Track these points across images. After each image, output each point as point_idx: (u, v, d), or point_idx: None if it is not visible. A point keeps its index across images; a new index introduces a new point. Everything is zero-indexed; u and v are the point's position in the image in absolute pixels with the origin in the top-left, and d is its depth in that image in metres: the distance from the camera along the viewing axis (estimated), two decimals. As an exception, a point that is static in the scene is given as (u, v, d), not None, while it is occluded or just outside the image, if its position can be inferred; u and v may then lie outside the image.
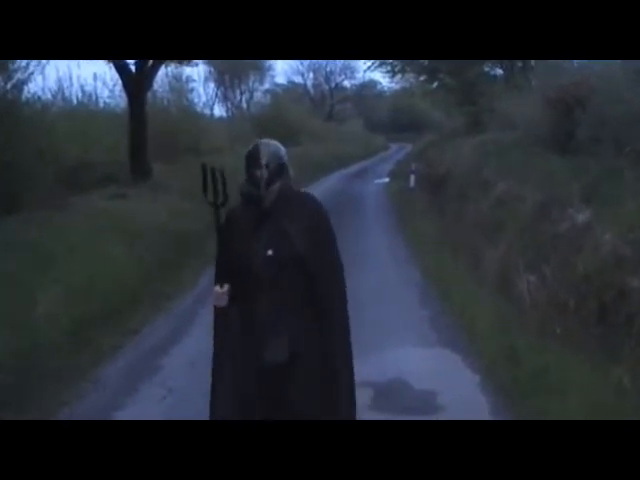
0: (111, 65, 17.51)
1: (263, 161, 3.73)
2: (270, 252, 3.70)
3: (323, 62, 58.75)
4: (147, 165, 16.51)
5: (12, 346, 6.78)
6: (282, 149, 3.90)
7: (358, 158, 42.87)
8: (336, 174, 32.87)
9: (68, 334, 7.65)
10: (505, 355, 6.89)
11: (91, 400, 6.48)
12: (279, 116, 36.18)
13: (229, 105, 43.42)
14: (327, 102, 60.53)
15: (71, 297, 8.25)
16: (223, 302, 3.80)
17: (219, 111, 42.10)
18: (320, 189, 25.10)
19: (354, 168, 37.20)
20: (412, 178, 21.99)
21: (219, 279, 3.82)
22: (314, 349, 3.78)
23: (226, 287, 3.78)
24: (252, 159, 3.77)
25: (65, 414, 6.09)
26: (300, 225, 3.77)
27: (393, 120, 65.28)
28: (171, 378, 6.87)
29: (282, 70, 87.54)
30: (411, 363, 7.09)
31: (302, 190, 4.08)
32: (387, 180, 28.75)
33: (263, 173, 3.72)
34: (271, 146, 3.85)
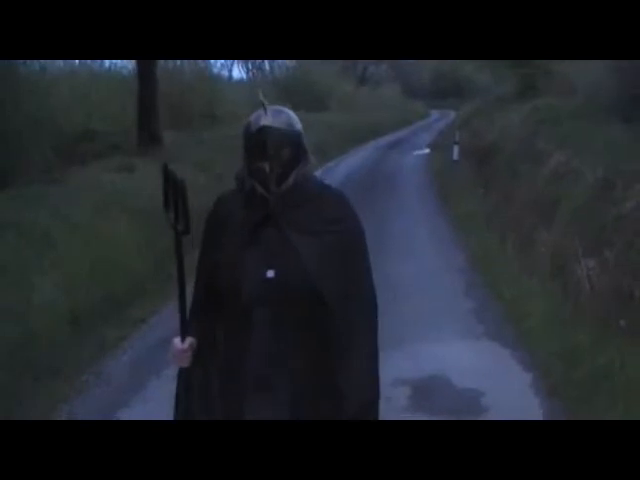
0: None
1: (272, 150, 2.93)
2: (270, 274, 2.95)
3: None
4: (157, 133, 16.52)
5: (5, 337, 6.82)
6: (298, 122, 3.05)
7: (394, 127, 42.79)
8: (369, 145, 32.86)
9: (68, 324, 7.69)
10: (561, 351, 6.85)
11: (94, 397, 6.53)
12: (306, 79, 36.30)
13: (249, 67, 43.32)
14: (359, 64, 60.32)
15: (71, 283, 8.28)
16: (185, 362, 3.08)
17: (238, 73, 42.15)
18: (351, 162, 25.17)
19: (390, 138, 37.15)
20: (456, 149, 21.90)
21: (183, 328, 3.10)
22: (325, 403, 3.02)
23: (188, 342, 3.06)
24: (255, 144, 2.97)
25: (64, 413, 6.13)
26: (319, 239, 3.00)
27: (434, 84, 65.13)
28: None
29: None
30: (454, 358, 7.07)
31: (327, 183, 3.24)
32: (427, 152, 28.68)
33: (273, 167, 2.95)
34: (283, 122, 2.99)
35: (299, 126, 3.03)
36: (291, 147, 2.97)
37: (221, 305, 3.05)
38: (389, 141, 35.42)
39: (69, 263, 8.61)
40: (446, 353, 7.21)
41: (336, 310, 2.96)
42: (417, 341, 7.40)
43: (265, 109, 2.98)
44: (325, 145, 25.83)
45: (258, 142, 2.93)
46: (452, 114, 47.58)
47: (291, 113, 3.05)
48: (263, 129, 2.94)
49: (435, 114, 57.39)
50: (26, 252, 8.39)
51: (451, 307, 8.73)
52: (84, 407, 6.25)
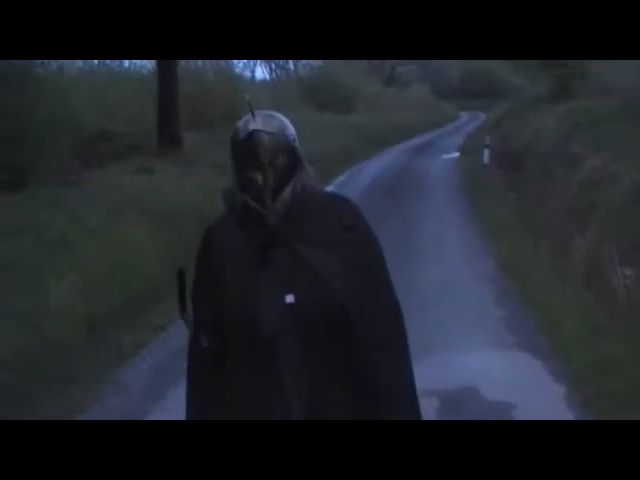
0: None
1: (265, 158, 2.73)
2: (290, 299, 2.72)
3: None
4: (177, 134, 16.58)
5: (19, 343, 6.84)
6: (291, 128, 2.85)
7: (423, 129, 42.73)
8: (396, 147, 32.84)
9: (84, 329, 7.71)
10: (596, 363, 6.80)
11: (110, 406, 6.53)
12: (331, 79, 36.28)
13: (273, 66, 43.40)
14: (387, 63, 60.25)
15: (87, 288, 8.30)
16: None
17: (262, 73, 42.20)
18: (377, 165, 25.17)
19: (418, 141, 37.11)
20: (486, 153, 21.88)
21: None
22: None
23: None
24: (245, 153, 2.77)
25: (80, 422, 6.14)
26: (334, 252, 2.77)
27: (464, 85, 64.94)
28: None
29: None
30: (483, 370, 7.03)
31: (329, 190, 3.03)
32: (457, 155, 28.61)
33: (267, 177, 2.73)
34: (275, 126, 2.79)
35: (293, 131, 2.83)
36: (286, 154, 2.77)
37: (231, 340, 2.81)
38: (417, 144, 35.38)
39: (86, 267, 8.63)
40: (476, 363, 7.17)
41: (362, 328, 2.77)
42: (445, 351, 7.37)
43: (253, 113, 2.77)
44: (351, 148, 25.86)
45: (248, 149, 2.74)
46: (482, 116, 47.46)
47: (283, 118, 2.85)
48: (253, 134, 2.73)
49: (465, 116, 57.24)
50: (42, 255, 8.42)
51: (481, 316, 8.68)
52: (101, 417, 6.24)
